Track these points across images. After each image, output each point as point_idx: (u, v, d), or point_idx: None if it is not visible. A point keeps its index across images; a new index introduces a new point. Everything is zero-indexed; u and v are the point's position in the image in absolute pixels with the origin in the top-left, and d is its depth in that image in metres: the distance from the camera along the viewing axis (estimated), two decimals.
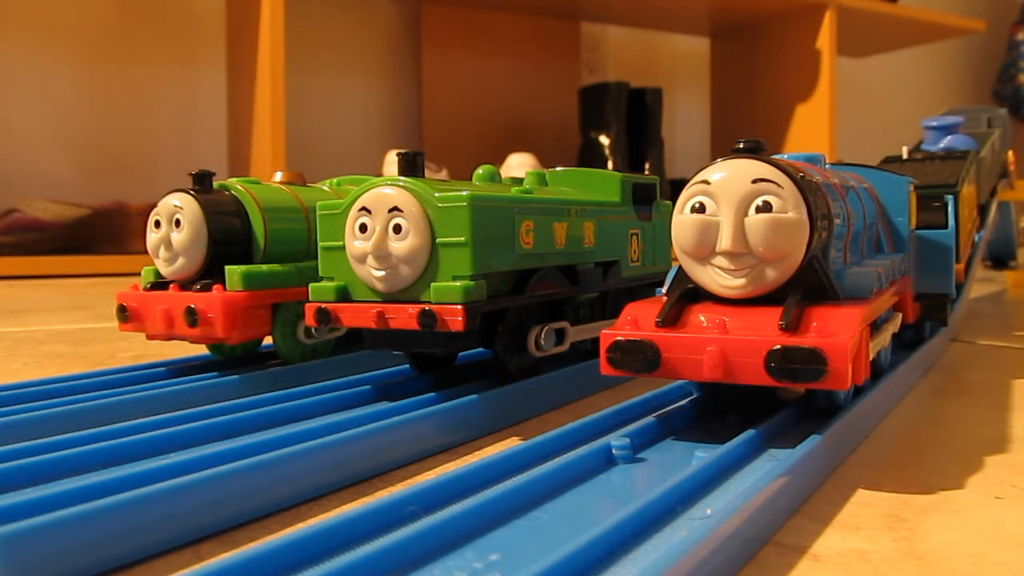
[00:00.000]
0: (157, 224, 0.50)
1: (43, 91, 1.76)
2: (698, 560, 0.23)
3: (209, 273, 0.50)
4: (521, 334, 0.45)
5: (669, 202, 0.55)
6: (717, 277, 0.35)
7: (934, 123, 0.96)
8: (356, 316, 0.41)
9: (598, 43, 2.36)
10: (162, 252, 0.50)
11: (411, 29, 2.09)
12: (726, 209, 0.34)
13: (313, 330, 0.51)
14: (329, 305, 0.42)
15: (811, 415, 0.39)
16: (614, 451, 0.33)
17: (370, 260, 0.41)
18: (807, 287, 0.35)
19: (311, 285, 0.43)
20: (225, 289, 0.48)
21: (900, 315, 0.46)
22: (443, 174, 1.65)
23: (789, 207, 0.34)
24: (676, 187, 1.91)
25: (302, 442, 0.34)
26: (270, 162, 1.50)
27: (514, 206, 0.42)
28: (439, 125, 2.06)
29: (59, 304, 1.08)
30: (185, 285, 0.50)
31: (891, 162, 0.75)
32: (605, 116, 1.96)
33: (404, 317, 0.40)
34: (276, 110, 1.51)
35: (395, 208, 0.40)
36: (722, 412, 0.40)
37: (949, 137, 0.93)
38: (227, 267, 0.48)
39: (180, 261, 0.50)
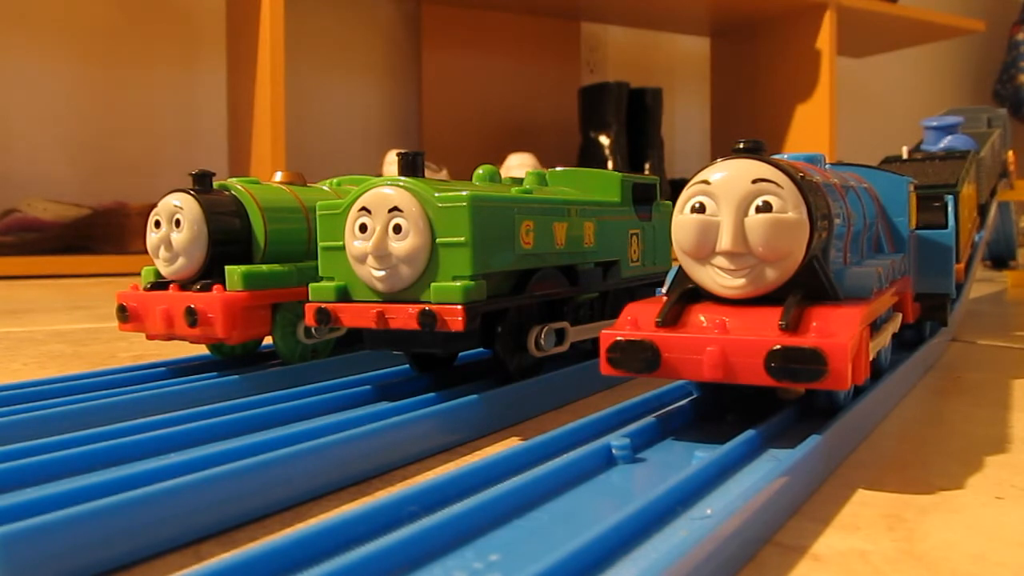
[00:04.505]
0: (157, 224, 0.50)
1: (43, 91, 1.76)
2: (698, 560, 0.23)
3: (209, 273, 0.50)
4: (521, 334, 0.45)
5: (669, 202, 0.55)
6: (717, 277, 0.35)
7: (934, 123, 0.96)
8: (356, 316, 0.41)
9: (598, 43, 2.36)
10: (162, 252, 0.50)
11: (411, 29, 2.09)
12: (726, 209, 0.34)
13: (313, 330, 0.51)
14: (329, 305, 0.42)
15: (811, 415, 0.39)
16: (614, 451, 0.33)
17: (370, 260, 0.41)
18: (807, 287, 0.35)
19: (311, 285, 0.43)
20: (225, 289, 0.48)
21: (900, 315, 0.46)
22: (443, 174, 1.65)
23: (789, 207, 0.34)
24: (676, 187, 1.91)
25: (302, 442, 0.34)
26: (270, 162, 1.50)
27: (514, 206, 0.42)
28: (439, 125, 2.06)
29: (59, 304, 1.08)
30: (185, 285, 0.50)
31: (891, 162, 0.75)
32: (605, 116, 1.96)
33: (404, 317, 0.40)
34: (276, 110, 1.51)
35: (395, 208, 0.40)
36: (722, 412, 0.40)
37: (949, 137, 0.94)
38: (227, 267, 0.48)
39: (180, 261, 0.50)
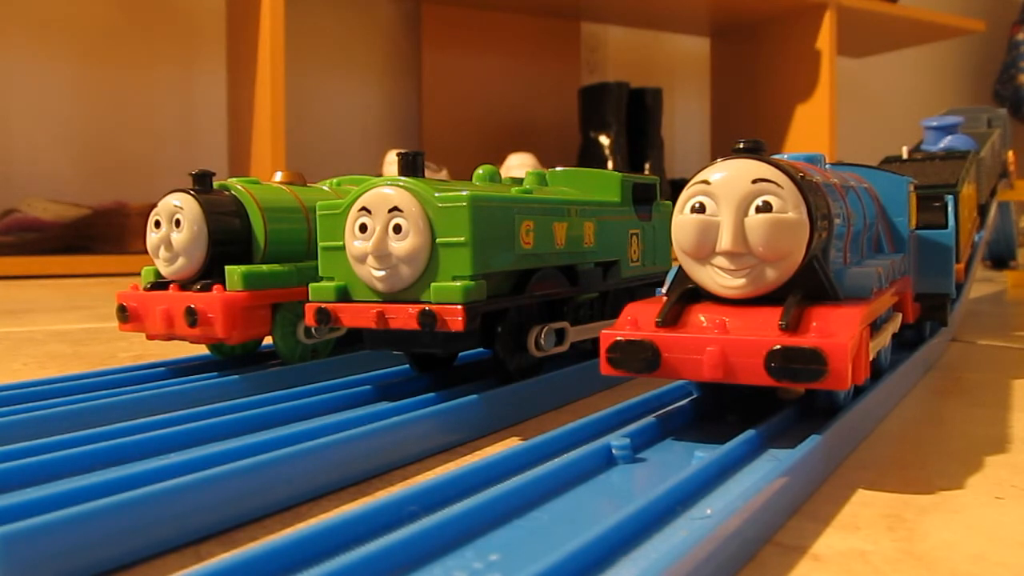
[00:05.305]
0: (157, 224, 0.50)
1: (43, 91, 1.76)
2: (698, 560, 0.23)
3: (209, 273, 0.50)
4: (521, 334, 0.45)
5: (669, 202, 0.55)
6: (717, 277, 0.35)
7: (934, 123, 0.96)
8: (356, 316, 0.41)
9: (598, 43, 2.36)
10: (162, 252, 0.50)
11: (411, 29, 2.09)
12: (726, 209, 0.34)
13: (313, 330, 0.51)
14: (329, 305, 0.42)
15: (811, 415, 0.39)
16: (614, 451, 0.33)
17: (370, 260, 0.41)
18: (807, 287, 0.35)
19: (311, 285, 0.43)
20: (225, 289, 0.48)
21: (900, 315, 0.46)
22: (443, 174, 1.65)
23: (789, 207, 0.34)
24: (676, 187, 1.91)
25: (302, 442, 0.34)
26: (270, 162, 1.50)
27: (514, 206, 0.42)
28: (439, 125, 2.06)
29: (59, 304, 1.08)
30: (185, 285, 0.50)
31: (891, 162, 0.75)
32: (605, 116, 1.96)
33: (404, 317, 0.40)
34: (276, 110, 1.51)
35: (395, 208, 0.40)
36: (722, 412, 0.40)
37: (949, 137, 0.94)
38: (227, 267, 0.48)
39: (180, 261, 0.50)
